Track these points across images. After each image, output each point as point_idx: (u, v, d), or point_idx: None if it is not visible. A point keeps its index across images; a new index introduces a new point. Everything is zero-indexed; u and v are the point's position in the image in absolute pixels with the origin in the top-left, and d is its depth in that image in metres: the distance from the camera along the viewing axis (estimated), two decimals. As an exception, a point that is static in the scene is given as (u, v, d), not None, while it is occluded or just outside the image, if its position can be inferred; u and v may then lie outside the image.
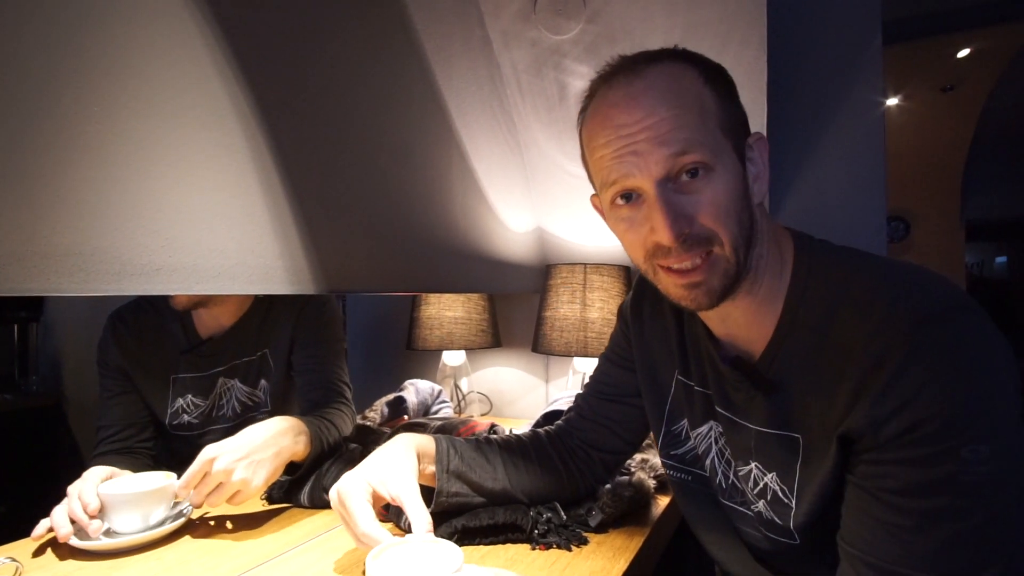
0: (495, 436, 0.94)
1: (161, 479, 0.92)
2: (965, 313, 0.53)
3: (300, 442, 1.01)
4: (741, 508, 0.74)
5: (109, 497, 0.86)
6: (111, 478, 0.95)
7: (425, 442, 0.84)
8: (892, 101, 3.99)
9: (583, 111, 0.67)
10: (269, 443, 0.96)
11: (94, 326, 2.53)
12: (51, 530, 0.85)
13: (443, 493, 0.83)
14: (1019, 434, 0.51)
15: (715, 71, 0.64)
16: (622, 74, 0.62)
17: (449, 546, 0.64)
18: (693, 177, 0.59)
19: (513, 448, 0.92)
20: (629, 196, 0.62)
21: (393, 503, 0.75)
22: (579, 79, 1.44)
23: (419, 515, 0.70)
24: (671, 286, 0.64)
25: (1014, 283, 6.83)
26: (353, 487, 0.74)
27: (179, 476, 0.97)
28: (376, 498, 0.75)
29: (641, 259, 0.65)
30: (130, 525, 0.87)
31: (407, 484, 0.73)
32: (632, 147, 0.59)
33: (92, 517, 0.85)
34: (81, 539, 0.84)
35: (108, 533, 0.87)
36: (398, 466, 0.75)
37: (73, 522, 0.85)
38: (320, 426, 1.08)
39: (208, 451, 0.90)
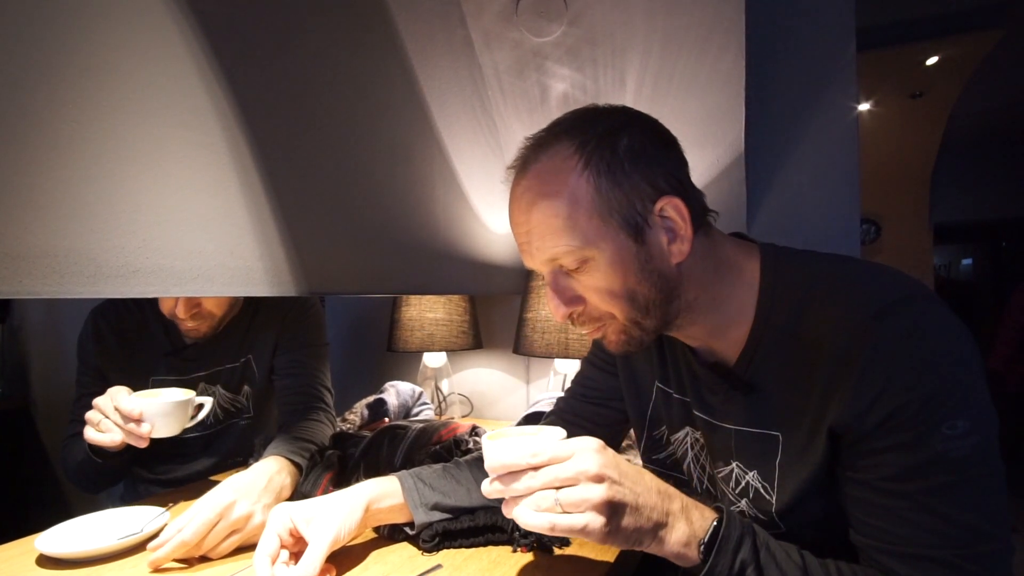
0: (463, 459, 0.93)
1: (181, 394, 1.03)
2: (918, 300, 0.57)
3: (289, 485, 0.98)
4: None
5: (146, 405, 0.95)
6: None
7: (385, 483, 0.83)
8: (864, 106, 4.08)
9: None
10: (273, 485, 0.93)
11: (62, 328, 2.48)
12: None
13: (424, 527, 0.83)
14: (990, 403, 0.55)
15: (607, 144, 0.63)
16: (517, 167, 0.68)
17: (555, 429, 0.65)
18: (576, 265, 0.64)
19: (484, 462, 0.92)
20: None
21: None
22: (560, 81, 1.44)
23: (309, 564, 0.70)
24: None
25: (979, 284, 7.03)
26: (276, 517, 0.75)
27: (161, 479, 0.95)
28: (294, 534, 0.75)
29: None
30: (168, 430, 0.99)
31: (323, 534, 0.72)
32: (520, 244, 0.69)
33: (138, 421, 0.94)
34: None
35: (83, 541, 0.85)
36: (330, 514, 0.75)
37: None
38: (303, 456, 1.05)
39: (222, 495, 0.84)
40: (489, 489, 0.59)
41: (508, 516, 0.58)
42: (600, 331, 0.69)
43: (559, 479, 0.55)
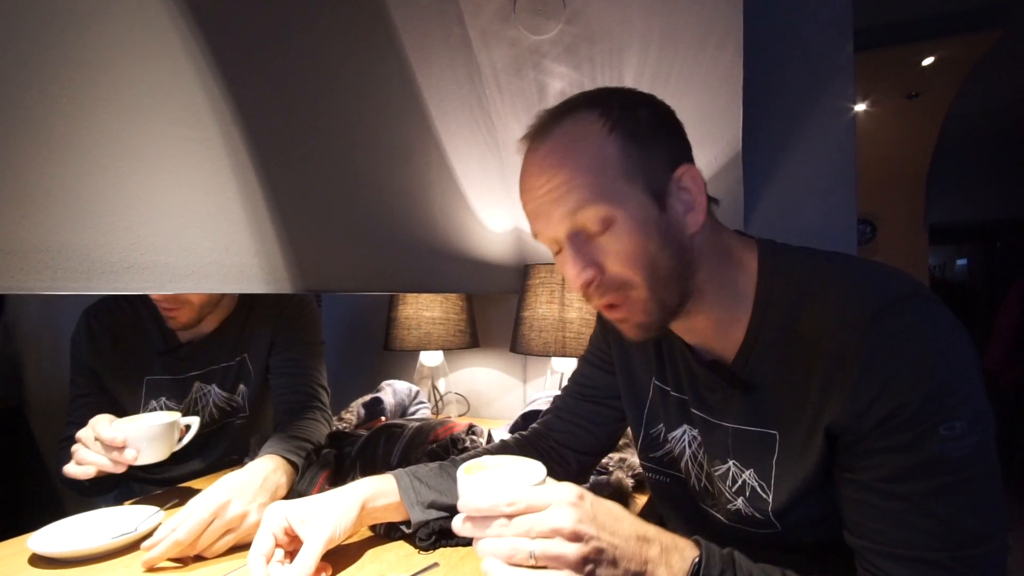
0: (460, 457, 0.93)
1: (168, 416, 1.01)
2: (916, 300, 0.56)
3: (284, 484, 0.97)
4: (713, 510, 0.76)
5: (129, 431, 0.93)
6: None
7: (381, 482, 0.83)
8: (860, 107, 4.08)
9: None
10: (268, 484, 0.92)
11: (57, 326, 2.47)
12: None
13: (420, 525, 0.83)
14: (987, 404, 0.55)
15: (629, 112, 0.64)
16: (534, 137, 0.67)
17: (535, 465, 0.64)
18: (600, 229, 0.63)
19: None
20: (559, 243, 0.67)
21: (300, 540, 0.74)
22: (558, 79, 1.44)
23: (304, 563, 0.69)
24: (609, 319, 0.70)
25: (974, 285, 7.07)
26: (271, 515, 0.74)
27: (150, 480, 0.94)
28: (289, 533, 0.74)
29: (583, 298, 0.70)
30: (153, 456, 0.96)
31: (318, 533, 0.72)
32: (539, 207, 0.66)
33: (121, 448, 0.92)
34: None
35: (76, 540, 0.84)
36: (325, 513, 0.74)
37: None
38: (299, 455, 1.05)
39: (217, 494, 0.83)
40: (459, 527, 0.58)
41: (479, 555, 0.57)
42: (621, 310, 0.66)
43: (533, 531, 0.54)
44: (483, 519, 0.56)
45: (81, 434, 0.94)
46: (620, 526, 0.57)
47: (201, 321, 1.20)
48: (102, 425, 0.93)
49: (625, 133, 0.63)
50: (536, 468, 0.62)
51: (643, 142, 0.63)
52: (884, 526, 0.56)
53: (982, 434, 0.53)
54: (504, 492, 0.56)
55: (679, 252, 0.64)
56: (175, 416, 1.01)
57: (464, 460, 0.91)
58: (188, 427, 1.05)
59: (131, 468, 1.22)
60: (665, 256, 0.63)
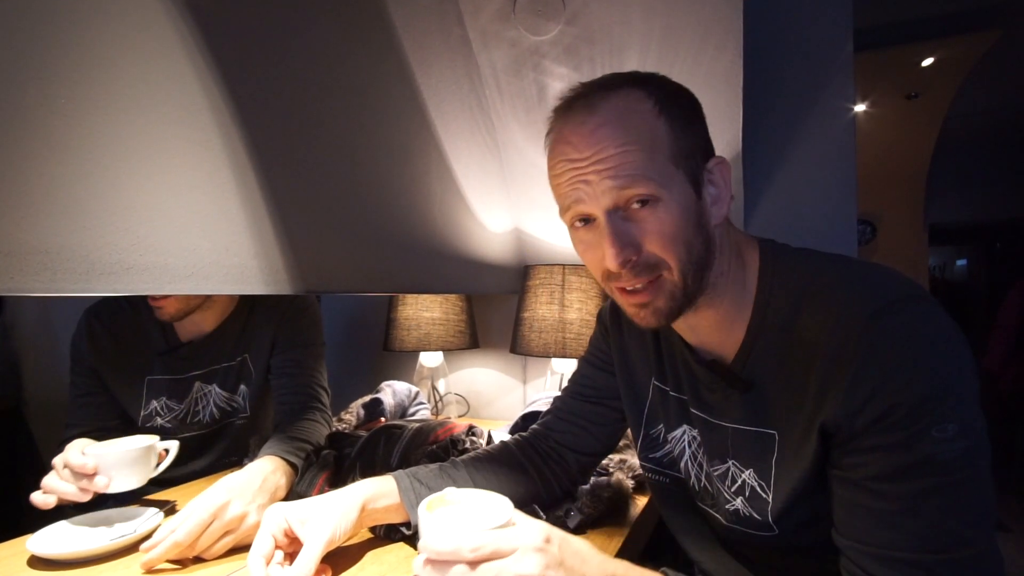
0: (460, 459, 0.92)
1: (146, 440, 0.96)
2: (915, 302, 0.56)
3: (284, 485, 0.97)
4: (712, 511, 0.76)
5: (102, 457, 0.89)
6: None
7: (381, 483, 0.82)
8: (860, 107, 4.08)
9: (547, 136, 0.69)
10: (267, 485, 0.91)
11: (55, 327, 2.47)
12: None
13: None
14: (979, 408, 0.55)
15: (673, 98, 0.65)
16: (578, 108, 0.65)
17: (501, 501, 0.62)
18: (642, 206, 0.62)
19: (480, 462, 0.91)
20: (586, 219, 0.66)
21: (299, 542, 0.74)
22: (558, 80, 1.44)
23: (304, 565, 0.69)
24: (624, 304, 0.69)
25: (973, 285, 7.07)
26: (271, 517, 0.74)
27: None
28: (289, 535, 0.74)
29: (599, 279, 0.69)
30: (125, 483, 0.91)
31: (318, 535, 0.71)
32: (583, 177, 0.63)
33: (91, 476, 0.88)
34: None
35: (75, 541, 0.84)
36: (325, 515, 0.74)
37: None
38: (299, 456, 1.04)
39: (216, 495, 0.82)
40: (419, 570, 0.56)
41: None
42: (645, 294, 0.66)
43: None
44: (445, 563, 0.54)
45: (55, 460, 0.91)
46: (587, 568, 0.56)
47: (189, 313, 1.19)
48: (72, 452, 0.90)
49: (671, 117, 0.63)
50: (502, 505, 0.60)
51: (684, 129, 0.64)
52: (872, 526, 0.56)
53: (975, 438, 0.53)
54: (468, 536, 0.54)
55: (707, 241, 0.65)
56: (152, 440, 0.97)
57: (464, 461, 0.91)
58: (167, 451, 1.01)
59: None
60: (698, 242, 0.64)
